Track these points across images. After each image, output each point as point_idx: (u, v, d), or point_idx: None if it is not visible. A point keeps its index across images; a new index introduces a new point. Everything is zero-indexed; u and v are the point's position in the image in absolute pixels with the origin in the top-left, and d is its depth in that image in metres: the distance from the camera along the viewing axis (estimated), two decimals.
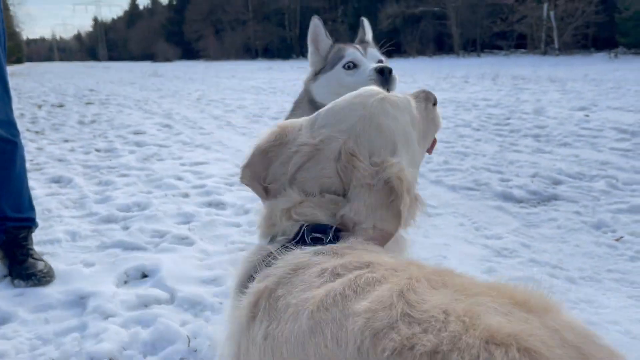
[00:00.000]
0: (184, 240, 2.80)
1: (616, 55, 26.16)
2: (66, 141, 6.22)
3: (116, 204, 3.48)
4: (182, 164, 4.83)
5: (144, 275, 2.39)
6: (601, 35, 30.56)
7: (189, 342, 1.80)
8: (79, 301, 2.15)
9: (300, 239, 0.92)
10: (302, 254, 0.86)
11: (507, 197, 3.46)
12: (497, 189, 3.60)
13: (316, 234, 0.92)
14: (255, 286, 0.85)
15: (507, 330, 0.58)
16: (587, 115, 7.06)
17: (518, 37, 34.19)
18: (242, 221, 3.12)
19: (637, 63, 20.70)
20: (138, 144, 6.00)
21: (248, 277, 0.91)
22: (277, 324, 0.76)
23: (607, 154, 4.70)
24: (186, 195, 3.73)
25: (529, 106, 8.24)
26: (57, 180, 4.24)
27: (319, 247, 0.87)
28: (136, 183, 4.13)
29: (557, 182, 3.76)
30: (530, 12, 31.25)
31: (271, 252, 0.90)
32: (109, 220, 3.20)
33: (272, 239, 0.99)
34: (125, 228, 3.01)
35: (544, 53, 30.80)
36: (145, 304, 2.11)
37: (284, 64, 39.60)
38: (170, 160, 5.04)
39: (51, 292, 2.19)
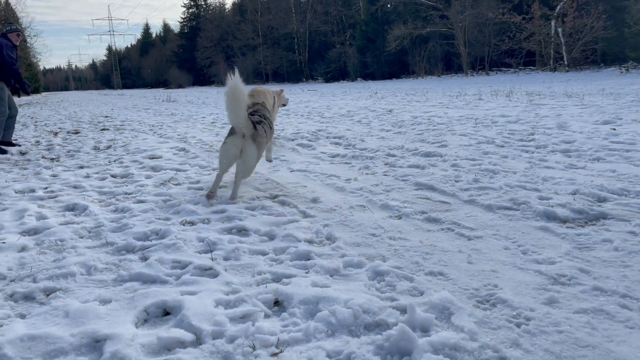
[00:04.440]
0: (207, 272, 2.58)
1: (627, 69, 25.88)
2: (81, 167, 6.09)
3: (133, 232, 3.29)
4: (199, 189, 4.65)
5: (166, 313, 2.17)
6: (610, 50, 30.33)
7: None
8: (95, 345, 1.93)
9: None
10: None
11: (551, 217, 3.21)
12: (538, 207, 3.35)
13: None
14: None
15: None
16: (614, 129, 6.81)
17: (526, 55, 34.07)
18: (267, 248, 2.90)
19: None
20: (154, 169, 5.84)
21: None
22: None
23: None
24: (206, 221, 3.52)
25: (550, 121, 8.00)
26: (71, 208, 4.06)
27: None
28: (153, 209, 3.95)
29: (602, 200, 3.50)
30: (538, 29, 31.18)
31: None
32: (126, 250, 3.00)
33: None
34: (144, 259, 2.81)
35: (554, 70, 30.61)
36: (168, 347, 1.89)
37: (294, 86, 39.79)
38: (187, 185, 4.86)
39: (63, 334, 1.98)
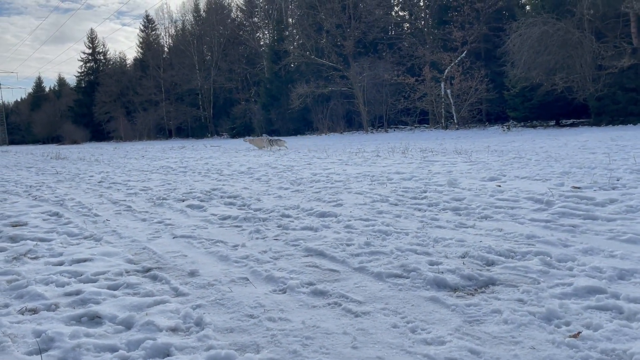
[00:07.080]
0: None
1: (509, 128, 28.45)
2: None
3: None
4: (60, 263, 4.01)
5: None
6: (493, 110, 33.39)
7: None
8: None
9: None
10: None
11: (441, 285, 3.05)
12: (428, 275, 3.18)
13: None
14: None
15: None
16: (499, 186, 7.10)
17: (420, 113, 36.46)
18: (119, 342, 2.40)
19: (528, 134, 22.49)
20: (13, 239, 5.05)
21: None
22: None
23: (530, 227, 4.53)
24: (53, 308, 2.94)
25: (441, 178, 8.24)
26: None
27: None
28: None
29: (490, 263, 3.42)
30: (429, 90, 33.61)
31: None
32: None
33: None
34: None
35: (445, 128, 32.89)
36: None
37: (197, 142, 38.98)
38: (45, 259, 4.18)
39: None
